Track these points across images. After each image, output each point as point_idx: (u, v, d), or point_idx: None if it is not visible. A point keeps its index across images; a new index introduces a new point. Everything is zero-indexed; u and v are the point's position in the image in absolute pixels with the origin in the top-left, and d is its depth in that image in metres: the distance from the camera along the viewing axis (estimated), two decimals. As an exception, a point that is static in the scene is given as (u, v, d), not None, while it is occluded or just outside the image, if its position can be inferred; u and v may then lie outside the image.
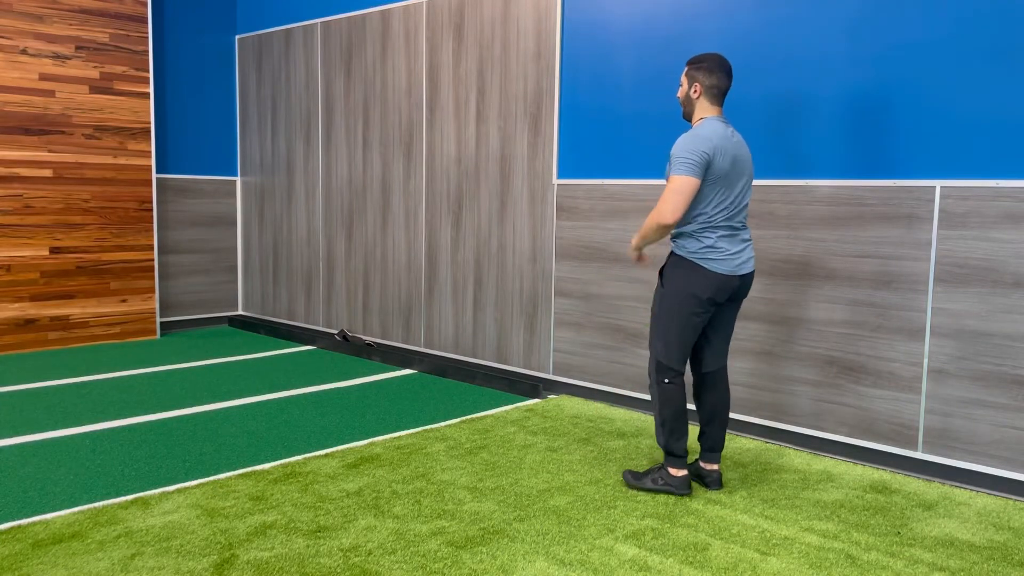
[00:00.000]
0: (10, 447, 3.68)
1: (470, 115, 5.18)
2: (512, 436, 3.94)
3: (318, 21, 6.20)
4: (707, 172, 3.01)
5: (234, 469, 3.44)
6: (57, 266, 5.87)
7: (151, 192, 6.30)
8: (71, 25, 5.83)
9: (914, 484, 3.40)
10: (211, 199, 6.90)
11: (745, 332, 4.03)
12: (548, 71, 4.74)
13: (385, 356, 5.66)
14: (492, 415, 4.31)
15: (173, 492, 3.14)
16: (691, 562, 2.63)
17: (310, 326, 6.49)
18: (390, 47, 5.67)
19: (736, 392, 4.08)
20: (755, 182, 3.95)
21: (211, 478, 3.30)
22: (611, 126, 4.50)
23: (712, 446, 3.31)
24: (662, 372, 3.20)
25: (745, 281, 3.17)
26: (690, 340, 3.16)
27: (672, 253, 3.19)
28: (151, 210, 6.32)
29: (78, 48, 5.87)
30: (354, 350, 5.89)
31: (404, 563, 2.58)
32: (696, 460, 3.38)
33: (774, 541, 2.81)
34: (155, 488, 3.20)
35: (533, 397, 4.75)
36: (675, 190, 2.98)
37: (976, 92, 3.34)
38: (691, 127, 3.22)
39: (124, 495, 3.12)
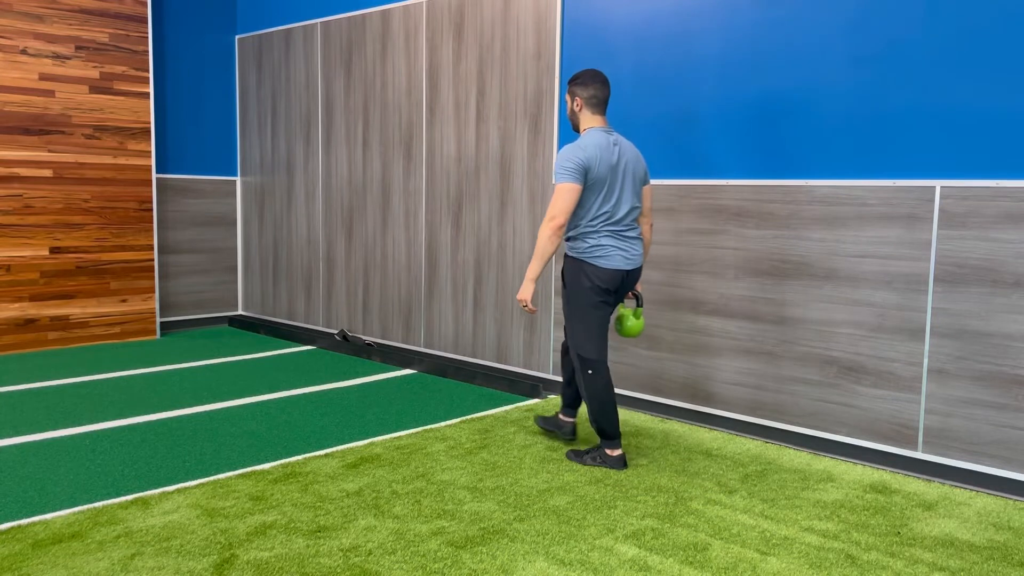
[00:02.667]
0: (10, 447, 3.68)
1: (470, 115, 5.18)
2: (512, 436, 3.94)
3: (318, 21, 6.21)
4: (586, 178, 3.33)
5: (234, 469, 3.44)
6: (57, 266, 5.87)
7: (151, 192, 6.30)
8: (71, 25, 5.83)
9: (914, 484, 3.40)
10: (211, 199, 6.90)
11: (745, 332, 4.03)
12: (548, 71, 4.74)
13: (385, 356, 5.65)
14: (492, 415, 4.30)
15: (173, 492, 3.14)
16: (691, 562, 2.63)
17: (310, 326, 6.49)
18: (390, 47, 5.67)
19: (736, 392, 4.08)
20: (755, 182, 3.95)
21: (211, 478, 3.30)
22: (611, 126, 4.49)
23: (571, 403, 3.81)
24: (587, 365, 3.47)
25: (631, 276, 3.49)
26: (602, 329, 3.45)
27: (566, 255, 3.51)
28: (151, 210, 6.32)
29: (78, 48, 5.87)
30: (354, 350, 5.89)
31: (404, 563, 2.58)
32: (557, 413, 3.80)
33: (774, 541, 2.81)
34: (155, 488, 3.20)
35: (533, 397, 4.74)
36: (558, 195, 3.33)
37: (976, 92, 3.34)
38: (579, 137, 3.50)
39: (124, 495, 3.12)
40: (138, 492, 3.16)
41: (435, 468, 3.47)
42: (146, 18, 6.19)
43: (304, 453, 3.67)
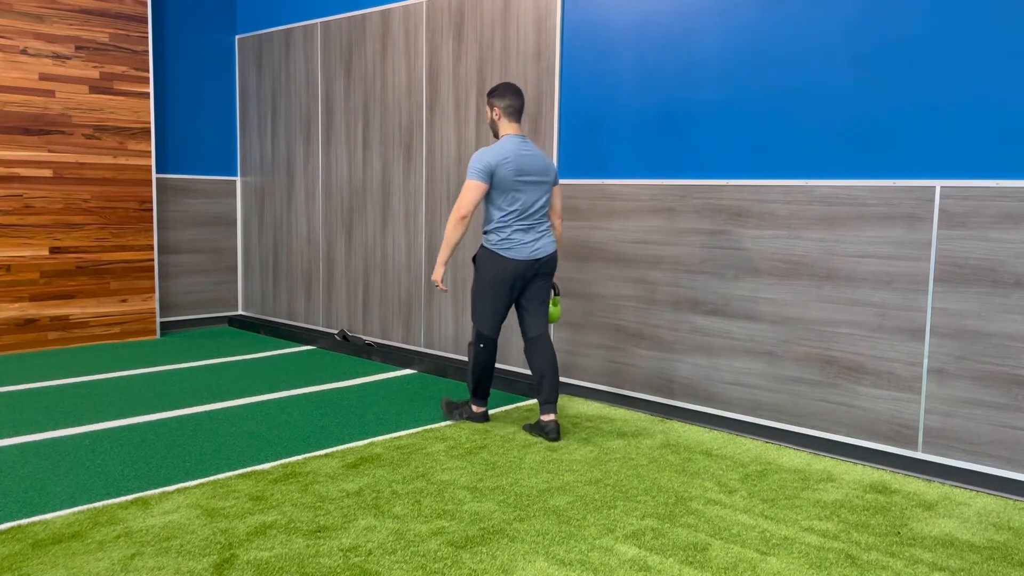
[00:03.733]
0: (10, 447, 3.68)
1: (470, 115, 5.18)
2: (512, 436, 3.94)
3: (318, 21, 6.21)
4: (492, 179, 3.80)
5: (234, 469, 3.44)
6: (57, 266, 5.87)
7: (151, 192, 6.30)
8: (71, 25, 5.83)
9: (914, 484, 3.40)
10: (211, 199, 6.90)
11: (745, 332, 4.03)
12: (548, 71, 4.74)
13: (385, 356, 5.66)
14: (492, 415, 4.30)
15: (173, 492, 3.14)
16: (691, 562, 2.63)
17: (310, 326, 6.49)
18: (390, 47, 5.67)
19: (736, 392, 4.08)
20: (755, 182, 3.95)
21: (211, 478, 3.30)
22: (611, 126, 4.50)
23: (547, 399, 3.97)
24: (479, 339, 4.00)
25: (543, 263, 3.92)
26: (500, 312, 3.95)
27: (481, 246, 3.97)
28: (151, 210, 6.32)
29: (78, 48, 5.87)
30: (354, 350, 5.89)
31: (404, 563, 2.58)
32: (539, 418, 3.99)
33: (774, 541, 2.81)
34: (155, 488, 3.20)
35: (533, 397, 4.74)
36: (464, 190, 3.82)
37: (976, 92, 3.34)
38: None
39: (124, 495, 3.12)
40: (138, 492, 3.16)
41: (435, 468, 3.47)
42: (146, 18, 6.19)
43: (304, 453, 3.67)
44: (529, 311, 3.98)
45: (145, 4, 6.17)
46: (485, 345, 3.99)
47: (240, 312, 7.17)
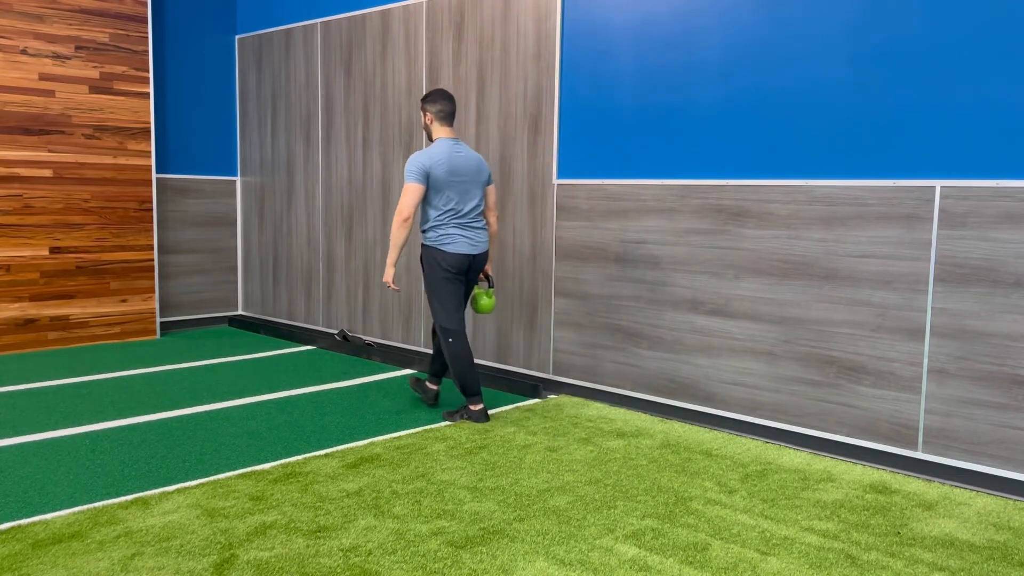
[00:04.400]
0: (10, 447, 3.68)
1: (470, 115, 5.18)
2: (512, 436, 3.94)
3: (318, 21, 6.21)
4: (429, 180, 4.00)
5: (234, 469, 3.44)
6: (57, 266, 5.87)
7: (151, 192, 6.30)
8: (71, 25, 5.83)
9: (914, 484, 3.40)
10: (211, 199, 6.90)
11: (745, 332, 4.03)
12: (548, 71, 4.74)
13: (385, 356, 5.65)
14: (492, 415, 4.30)
15: (173, 492, 3.14)
16: (691, 562, 2.63)
17: (310, 326, 6.49)
18: (390, 47, 5.67)
19: (736, 392, 4.08)
20: (755, 182, 3.95)
21: (211, 478, 3.30)
22: (611, 126, 4.50)
23: (436, 372, 4.39)
24: (446, 334, 4.12)
25: (476, 258, 4.16)
26: (456, 303, 4.13)
27: (423, 244, 4.17)
28: (151, 210, 6.32)
29: (78, 48, 5.87)
30: (354, 350, 5.89)
31: (404, 563, 2.58)
32: (425, 380, 4.37)
33: (774, 541, 2.81)
34: (155, 488, 3.20)
35: (533, 397, 4.75)
36: (404, 193, 4.02)
37: (976, 92, 3.34)
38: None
39: (124, 495, 3.12)
40: (138, 492, 3.16)
41: (435, 468, 3.47)
42: (146, 18, 6.19)
43: (304, 453, 3.67)
44: None
45: (145, 4, 6.17)
46: (455, 339, 4.12)
47: (240, 312, 7.17)
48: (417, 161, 4.01)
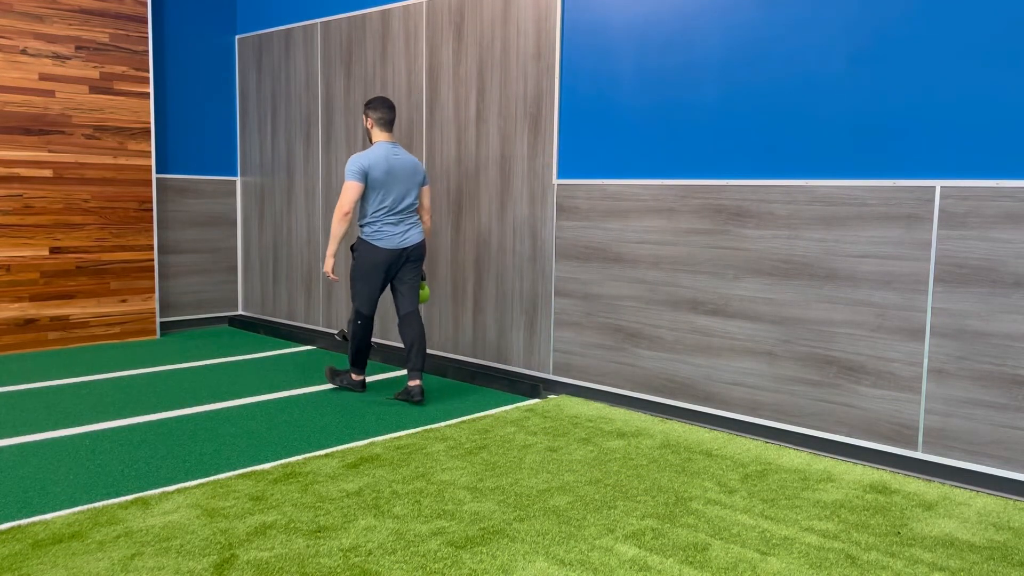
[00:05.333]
0: (10, 447, 3.68)
1: (470, 115, 5.18)
2: (512, 436, 3.94)
3: (318, 21, 6.21)
4: (367, 179, 4.37)
5: (234, 469, 3.44)
6: (57, 266, 5.87)
7: (151, 192, 6.30)
8: (71, 25, 5.83)
9: (914, 484, 3.40)
10: (211, 199, 6.90)
11: (745, 332, 4.03)
12: (548, 71, 4.74)
13: (385, 356, 5.65)
14: (492, 415, 4.31)
15: (173, 492, 3.14)
16: (691, 562, 2.63)
17: (310, 326, 6.49)
18: (390, 47, 5.67)
19: (736, 392, 4.08)
20: (755, 182, 3.95)
21: (211, 478, 3.30)
22: (611, 126, 4.50)
23: (414, 367, 4.57)
24: (358, 316, 4.59)
25: (411, 251, 4.53)
26: (375, 294, 4.55)
27: (358, 237, 4.58)
28: (151, 210, 6.32)
29: (78, 48, 5.87)
30: (354, 350, 5.88)
31: (404, 563, 2.58)
32: (407, 383, 4.58)
33: (774, 541, 2.81)
34: (155, 488, 3.20)
35: (533, 397, 4.75)
36: (344, 190, 4.39)
37: (976, 92, 3.34)
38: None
39: (124, 495, 3.12)
40: (138, 492, 3.16)
41: (435, 468, 3.47)
42: (146, 18, 6.19)
43: (304, 453, 3.67)
44: (402, 292, 4.60)
45: (145, 4, 6.17)
46: (362, 322, 4.59)
47: (240, 312, 7.17)
48: (357, 162, 4.37)
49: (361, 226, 4.54)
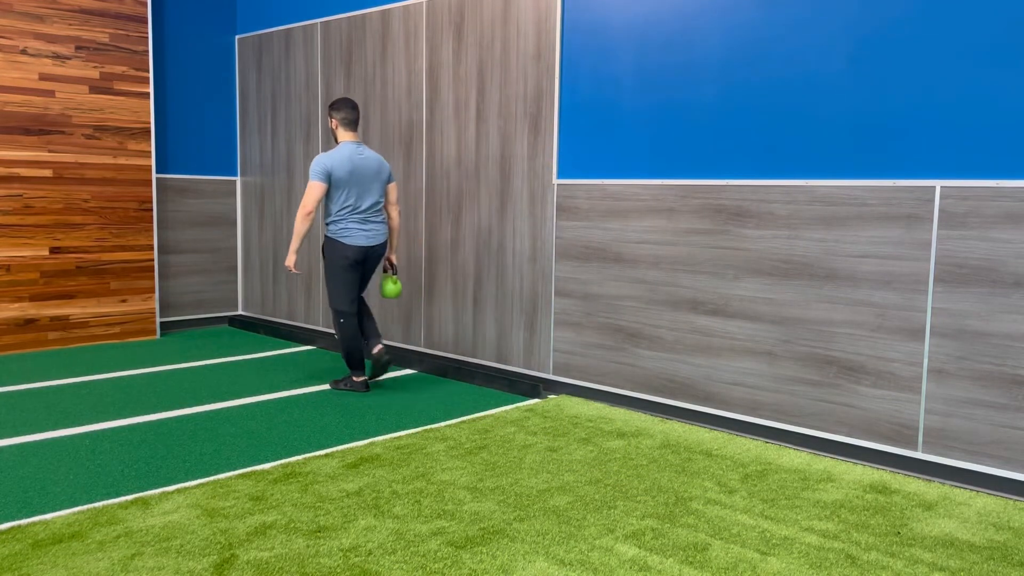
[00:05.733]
0: (10, 447, 3.68)
1: (470, 115, 5.18)
2: (512, 436, 3.94)
3: (318, 21, 6.21)
4: (331, 179, 4.53)
5: (234, 469, 3.44)
6: (57, 266, 5.87)
7: (151, 192, 6.30)
8: (71, 25, 5.83)
9: (914, 484, 3.40)
10: (211, 199, 6.90)
11: (745, 332, 4.03)
12: (548, 71, 4.74)
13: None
14: (492, 415, 4.31)
15: (173, 492, 3.14)
16: (691, 562, 2.63)
17: (310, 326, 6.49)
18: (390, 47, 5.67)
19: (736, 392, 4.08)
20: (755, 182, 3.95)
21: (211, 478, 3.30)
22: (611, 126, 4.50)
23: (372, 334, 4.80)
24: (339, 315, 4.70)
25: (375, 248, 4.71)
26: (351, 290, 4.69)
27: (325, 236, 4.71)
28: (151, 210, 6.32)
29: (78, 48, 5.87)
30: (354, 350, 5.88)
31: (404, 563, 2.58)
32: (371, 350, 4.75)
33: (774, 541, 2.81)
34: (155, 488, 3.21)
35: (533, 397, 4.75)
36: (308, 189, 4.54)
37: (976, 92, 3.34)
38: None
39: (124, 495, 3.12)
40: (138, 492, 3.16)
41: (435, 468, 3.47)
42: (146, 18, 6.19)
43: (304, 453, 3.67)
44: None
45: (145, 4, 6.17)
46: (346, 320, 4.70)
47: (240, 312, 7.17)
48: (320, 162, 4.53)
49: (327, 224, 4.67)
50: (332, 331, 6.26)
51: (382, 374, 4.78)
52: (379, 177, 4.68)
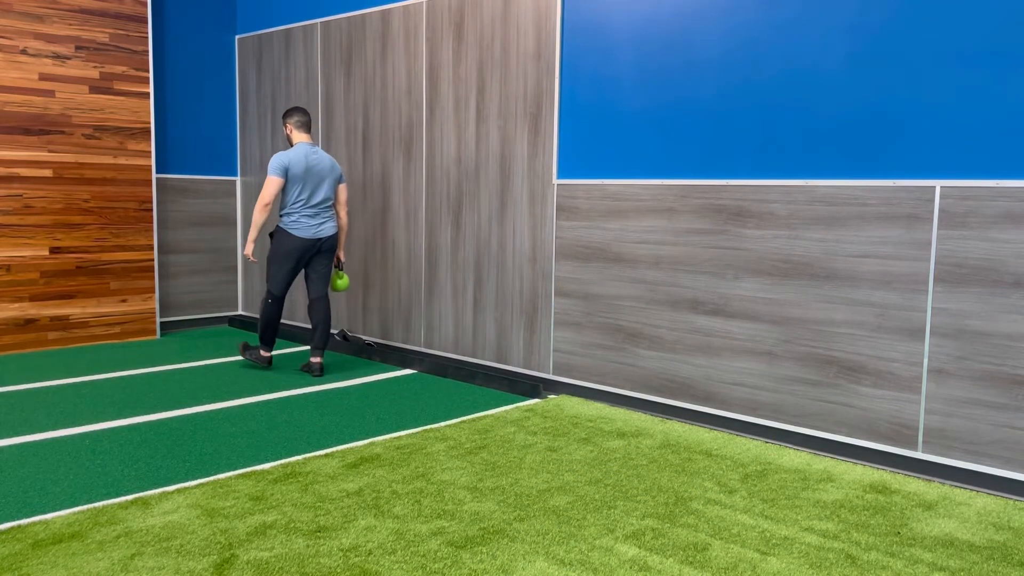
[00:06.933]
0: (10, 447, 3.68)
1: (470, 115, 5.18)
2: (512, 436, 3.94)
3: (318, 21, 6.21)
4: (287, 175, 4.96)
5: (234, 469, 3.44)
6: (57, 266, 5.87)
7: (151, 192, 6.30)
8: (71, 25, 5.83)
9: (914, 484, 3.40)
10: (211, 199, 6.90)
11: (745, 332, 4.03)
12: (548, 71, 4.74)
13: (385, 356, 5.65)
14: (492, 415, 4.31)
15: (173, 492, 3.14)
16: (691, 562, 2.63)
17: (310, 326, 6.48)
18: (390, 47, 5.67)
19: (736, 392, 4.08)
20: (755, 182, 3.95)
21: (211, 478, 3.30)
22: (611, 126, 4.50)
23: (316, 345, 5.19)
24: (269, 296, 5.13)
25: (324, 242, 5.10)
26: (288, 277, 5.10)
27: (277, 225, 5.20)
28: (151, 210, 6.32)
29: (78, 48, 5.87)
30: (354, 350, 5.88)
31: (404, 563, 2.58)
32: (309, 358, 5.33)
33: (774, 541, 2.81)
34: (155, 488, 3.21)
35: (533, 397, 4.75)
36: (265, 183, 4.95)
37: (976, 92, 3.34)
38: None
39: (124, 495, 3.12)
40: (138, 492, 3.16)
41: (435, 468, 3.47)
42: (146, 18, 6.19)
43: (304, 453, 3.67)
44: (313, 280, 5.18)
45: (145, 4, 6.17)
46: (273, 301, 5.14)
47: (240, 312, 7.17)
48: (278, 159, 4.96)
49: (281, 215, 5.07)
50: (333, 331, 6.26)
51: (307, 372, 5.22)
52: (331, 176, 5.11)
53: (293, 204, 5.02)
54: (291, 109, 5.17)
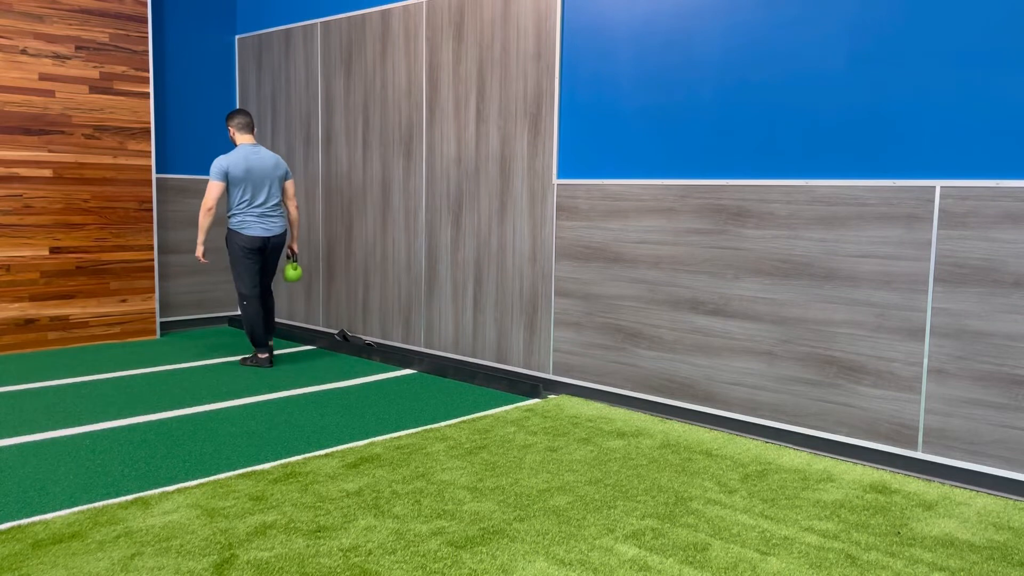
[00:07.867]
0: (10, 447, 3.68)
1: (470, 115, 5.18)
2: (512, 436, 3.94)
3: (318, 21, 6.21)
4: (228, 177, 5.08)
5: (234, 469, 3.44)
6: (57, 266, 5.87)
7: (151, 192, 6.30)
8: (71, 25, 5.83)
9: (914, 484, 3.40)
10: (211, 199, 6.89)
11: (745, 332, 4.03)
12: (548, 71, 4.74)
13: (385, 356, 5.65)
14: (492, 415, 4.31)
15: (173, 492, 3.14)
16: (691, 562, 2.63)
17: (310, 326, 6.49)
18: (390, 47, 5.67)
19: (736, 392, 4.08)
20: (755, 182, 3.95)
21: (211, 478, 3.30)
22: (611, 126, 4.50)
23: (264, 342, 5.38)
24: (242, 298, 5.26)
25: (272, 239, 5.25)
26: (252, 275, 5.23)
27: (228, 228, 5.24)
28: (151, 210, 6.32)
29: (78, 48, 5.87)
30: (354, 350, 5.89)
31: (404, 563, 2.58)
32: (255, 353, 5.39)
33: (774, 541, 2.81)
34: (155, 488, 3.21)
35: (533, 397, 4.75)
36: (208, 188, 5.08)
37: (976, 92, 3.34)
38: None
39: (124, 495, 3.12)
40: (138, 492, 3.16)
41: (435, 468, 3.47)
42: (146, 18, 6.19)
43: (304, 453, 3.67)
44: (260, 274, 5.33)
45: (145, 4, 6.17)
46: (248, 302, 5.24)
47: (240, 312, 7.16)
48: (218, 164, 5.07)
49: (228, 217, 5.19)
50: (333, 331, 6.26)
51: (252, 365, 5.40)
52: (275, 174, 5.22)
53: (238, 205, 5.14)
54: (233, 112, 5.30)
